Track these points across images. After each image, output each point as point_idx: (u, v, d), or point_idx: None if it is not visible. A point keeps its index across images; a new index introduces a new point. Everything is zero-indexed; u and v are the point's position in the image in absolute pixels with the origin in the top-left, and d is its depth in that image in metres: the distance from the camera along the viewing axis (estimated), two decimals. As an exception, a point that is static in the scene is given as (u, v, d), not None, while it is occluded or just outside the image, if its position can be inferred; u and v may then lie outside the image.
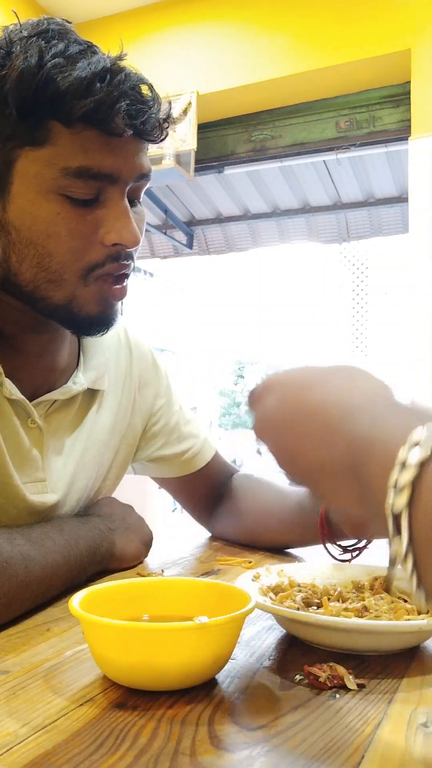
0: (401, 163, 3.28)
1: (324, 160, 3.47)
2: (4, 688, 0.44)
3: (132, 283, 0.70)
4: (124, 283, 0.68)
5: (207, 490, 0.96)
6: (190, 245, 4.50)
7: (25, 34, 0.60)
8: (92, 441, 0.79)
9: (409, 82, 2.76)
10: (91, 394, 0.79)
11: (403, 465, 0.32)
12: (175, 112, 3.09)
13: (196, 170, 3.25)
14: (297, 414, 0.42)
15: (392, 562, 0.34)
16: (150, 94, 0.64)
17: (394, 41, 2.73)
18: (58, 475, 0.75)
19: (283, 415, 0.43)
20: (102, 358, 0.81)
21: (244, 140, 3.28)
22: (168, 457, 0.91)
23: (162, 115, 0.66)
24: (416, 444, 0.33)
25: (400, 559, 0.32)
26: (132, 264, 0.68)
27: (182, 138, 3.08)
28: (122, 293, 0.68)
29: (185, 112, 3.08)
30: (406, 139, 2.79)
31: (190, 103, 3.08)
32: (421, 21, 2.69)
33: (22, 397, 0.69)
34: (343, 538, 0.76)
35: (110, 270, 0.65)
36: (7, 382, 0.68)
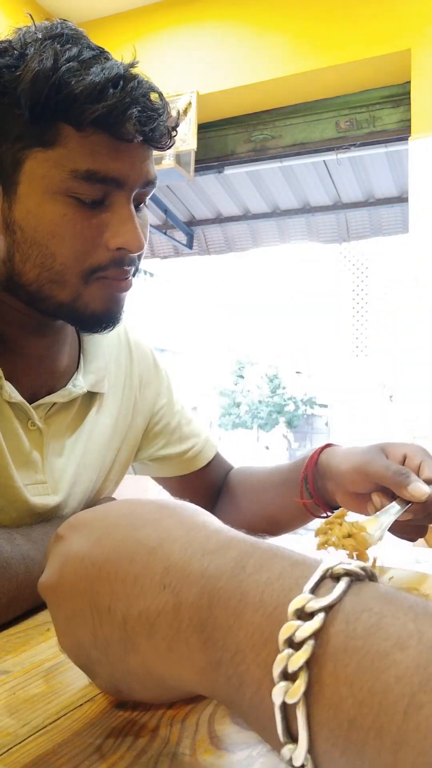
0: (401, 163, 3.28)
1: (324, 160, 3.47)
2: (4, 688, 0.44)
3: (135, 283, 0.70)
4: (128, 277, 0.68)
5: (208, 489, 0.96)
6: (190, 245, 4.51)
7: (39, 36, 0.61)
8: (93, 442, 0.79)
9: (409, 82, 2.77)
10: (91, 396, 0.79)
11: (291, 642, 0.24)
12: (175, 112, 3.09)
13: (196, 170, 3.25)
14: (122, 553, 0.33)
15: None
16: (160, 102, 0.65)
17: (394, 41, 2.73)
18: (59, 477, 0.75)
19: (101, 555, 0.33)
20: (102, 361, 0.81)
21: (244, 140, 3.28)
22: (170, 457, 0.91)
23: (170, 123, 0.66)
24: (303, 610, 0.25)
25: None
26: (134, 269, 0.69)
27: (182, 138, 3.08)
28: (127, 286, 0.68)
29: (185, 112, 3.08)
30: (406, 139, 2.79)
31: (190, 103, 3.08)
32: (421, 21, 2.69)
33: (22, 399, 0.69)
34: (324, 509, 0.79)
35: (112, 275, 0.66)
36: (7, 385, 0.68)
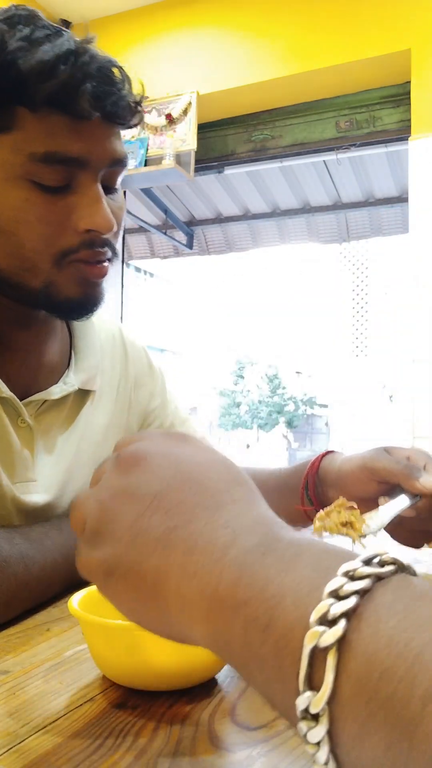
0: (401, 163, 3.28)
1: (324, 160, 3.47)
2: (4, 688, 0.44)
3: (111, 271, 0.67)
4: (104, 263, 0.66)
5: None
6: (190, 245, 4.51)
7: None
8: (86, 441, 0.78)
9: (409, 82, 2.77)
10: (83, 394, 0.78)
11: (336, 594, 0.25)
12: (175, 113, 3.09)
13: (196, 170, 3.25)
14: (206, 484, 0.32)
15: None
16: (119, 76, 0.62)
17: (394, 41, 2.73)
18: (49, 475, 0.74)
19: (188, 470, 0.33)
20: (94, 360, 0.80)
21: (244, 140, 3.28)
22: None
23: (133, 98, 0.63)
24: (354, 574, 0.25)
25: (306, 724, 0.24)
26: (110, 253, 0.67)
27: (182, 138, 3.08)
28: (101, 272, 0.66)
29: (185, 112, 3.08)
30: (406, 139, 2.79)
31: (190, 103, 3.08)
32: (421, 21, 2.69)
33: (11, 395, 0.68)
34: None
35: (84, 257, 0.64)
36: None
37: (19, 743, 0.37)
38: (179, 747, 0.37)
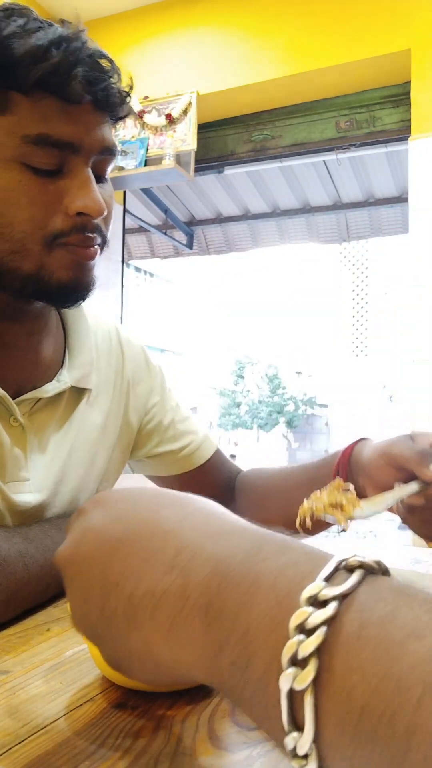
0: (401, 163, 3.28)
1: (324, 160, 3.47)
2: (4, 688, 0.44)
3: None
4: (94, 246, 0.66)
5: (209, 489, 0.95)
6: (190, 245, 4.51)
7: None
8: (81, 440, 0.78)
9: (409, 82, 2.77)
10: (78, 393, 0.78)
11: (302, 628, 0.24)
12: (175, 113, 3.09)
13: (196, 170, 3.25)
14: (141, 532, 0.33)
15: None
16: (110, 67, 0.63)
17: (394, 41, 2.73)
18: (43, 475, 0.73)
19: (121, 531, 0.34)
20: (88, 357, 0.80)
21: (244, 140, 3.28)
22: (165, 454, 0.90)
23: (122, 88, 0.65)
24: (316, 598, 0.25)
25: (297, 763, 0.23)
26: (100, 238, 0.67)
27: (182, 138, 3.08)
28: (91, 255, 0.66)
29: (185, 112, 3.08)
30: (406, 139, 2.79)
31: (190, 103, 3.08)
32: (421, 21, 2.69)
33: (4, 393, 0.68)
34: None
35: (75, 241, 0.64)
36: None
37: (19, 743, 0.37)
38: (179, 747, 0.37)
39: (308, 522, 0.62)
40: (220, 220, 4.36)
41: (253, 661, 0.26)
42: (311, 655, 0.23)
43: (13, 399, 0.70)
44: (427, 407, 2.55)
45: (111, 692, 0.44)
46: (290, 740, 0.24)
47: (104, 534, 0.34)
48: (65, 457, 0.76)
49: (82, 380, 0.77)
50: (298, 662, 0.24)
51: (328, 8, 2.86)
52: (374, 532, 7.22)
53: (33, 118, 0.60)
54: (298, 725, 0.24)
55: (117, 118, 0.66)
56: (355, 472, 0.75)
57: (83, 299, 0.68)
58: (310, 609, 0.24)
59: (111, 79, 0.63)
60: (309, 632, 0.24)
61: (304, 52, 2.90)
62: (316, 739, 0.23)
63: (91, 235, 0.65)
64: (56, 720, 0.40)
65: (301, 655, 0.23)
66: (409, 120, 2.77)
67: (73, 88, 0.60)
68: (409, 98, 2.77)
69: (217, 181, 3.93)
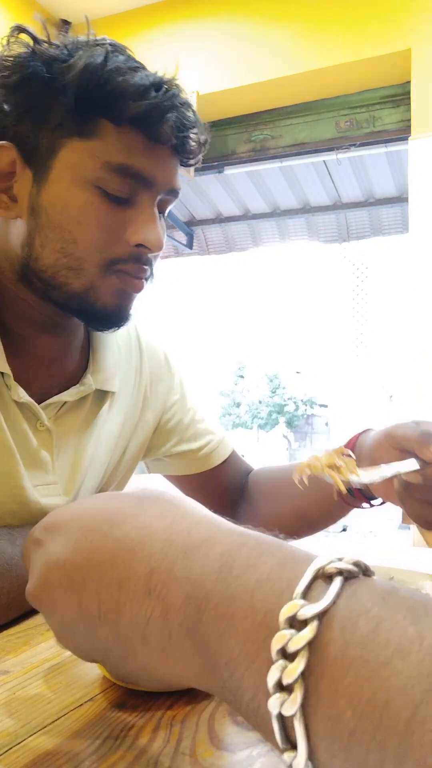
0: (401, 163, 3.28)
1: (324, 160, 3.47)
2: (4, 688, 0.44)
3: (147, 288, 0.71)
4: (143, 279, 0.69)
5: (224, 489, 0.95)
6: (190, 245, 4.51)
7: (87, 41, 0.65)
8: (103, 441, 0.79)
9: (409, 82, 2.76)
10: (102, 395, 0.79)
11: (284, 652, 0.23)
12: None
13: (196, 170, 3.25)
14: (103, 556, 0.31)
15: None
16: (193, 117, 0.68)
17: (394, 41, 2.73)
18: (69, 477, 0.75)
19: (82, 560, 0.32)
20: (112, 360, 0.81)
21: (244, 140, 3.28)
22: (184, 453, 0.91)
23: (201, 138, 0.70)
24: (295, 617, 0.24)
25: None
26: (149, 271, 0.70)
27: (182, 138, 3.08)
28: (140, 287, 0.69)
29: (185, 112, 3.08)
30: (406, 139, 2.79)
31: (190, 103, 3.08)
32: (421, 21, 2.69)
33: (30, 400, 0.69)
34: (361, 499, 0.77)
35: (130, 269, 0.67)
36: (16, 386, 0.68)
37: (19, 743, 0.37)
38: (179, 747, 0.37)
39: (305, 480, 0.62)
40: (220, 220, 4.36)
41: (241, 685, 0.25)
42: (296, 681, 0.23)
43: (39, 404, 0.71)
44: (427, 407, 2.55)
45: (111, 692, 0.44)
46: (287, 757, 0.23)
47: (68, 565, 0.33)
48: (89, 458, 0.77)
49: (106, 383, 0.79)
50: (284, 687, 0.23)
51: (328, 8, 2.85)
52: (374, 532, 7.22)
53: (118, 147, 0.63)
54: (292, 743, 0.23)
55: (187, 164, 0.71)
56: (359, 457, 0.75)
57: (118, 327, 0.71)
58: (290, 632, 0.24)
59: (194, 129, 0.68)
60: (291, 656, 0.23)
61: (304, 52, 2.90)
62: (311, 758, 0.23)
63: (144, 266, 0.68)
64: (56, 720, 0.40)
65: (286, 681, 0.23)
66: (409, 120, 2.77)
67: (164, 130, 0.64)
68: (409, 98, 2.77)
69: (217, 181, 3.93)
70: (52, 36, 0.68)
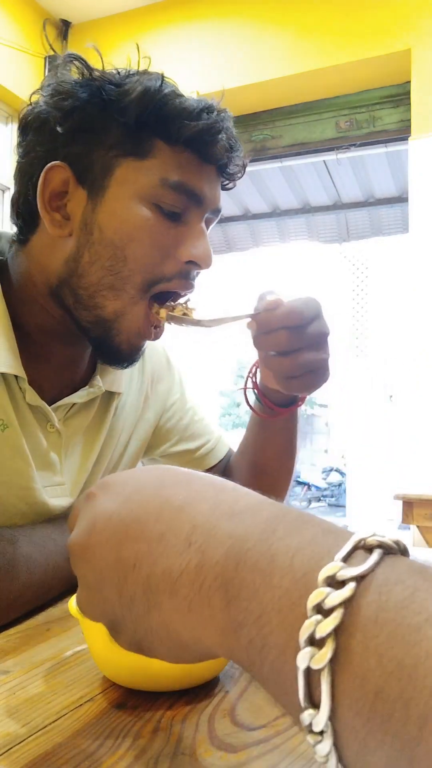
0: (401, 163, 3.28)
1: (324, 160, 3.47)
2: (4, 688, 0.44)
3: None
4: (161, 328, 0.71)
5: None
6: (190, 245, 4.50)
7: (138, 70, 0.69)
8: (108, 442, 0.81)
9: (409, 82, 2.77)
10: (109, 397, 0.80)
11: (320, 608, 0.24)
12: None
13: (196, 170, 3.24)
14: (150, 511, 0.33)
15: None
16: (237, 141, 0.72)
17: (394, 41, 2.73)
18: (76, 478, 0.76)
19: (130, 512, 0.33)
20: None
21: (244, 140, 3.28)
22: (182, 453, 0.92)
23: (244, 161, 0.73)
24: (334, 578, 0.24)
25: (313, 738, 0.24)
26: (192, 285, 0.71)
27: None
28: (156, 335, 0.71)
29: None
30: (406, 139, 2.79)
31: (190, 103, 3.08)
32: (421, 21, 2.69)
33: (42, 403, 0.71)
34: (273, 396, 0.80)
35: (176, 286, 0.68)
36: (30, 390, 0.69)
37: (19, 743, 0.37)
38: (179, 747, 0.37)
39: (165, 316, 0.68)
40: (220, 220, 4.36)
41: (269, 641, 0.26)
42: (329, 635, 0.23)
43: (49, 405, 0.72)
44: (427, 407, 2.55)
45: (111, 692, 0.44)
46: (306, 716, 0.24)
47: (115, 517, 0.34)
48: (94, 459, 0.78)
49: (114, 384, 0.80)
50: (315, 642, 0.24)
51: (328, 8, 2.85)
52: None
53: (174, 165, 0.66)
54: (314, 702, 0.24)
55: (226, 187, 0.74)
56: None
57: (126, 367, 0.73)
58: (328, 589, 0.24)
59: (239, 152, 0.71)
60: (326, 613, 0.24)
61: (305, 52, 2.90)
62: (332, 718, 0.23)
63: (192, 282, 0.70)
64: (56, 720, 0.40)
65: (319, 635, 0.23)
66: (409, 120, 2.77)
67: (214, 151, 0.68)
68: (409, 98, 2.77)
69: (217, 181, 3.93)
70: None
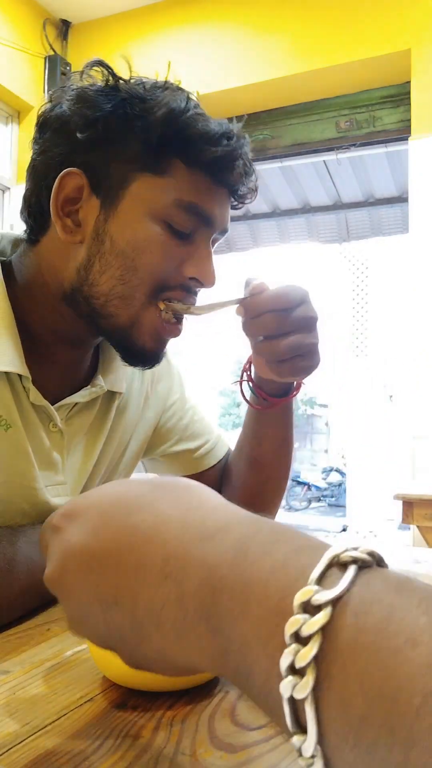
0: (401, 163, 3.28)
1: (324, 160, 3.47)
2: (4, 688, 0.44)
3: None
4: (181, 325, 0.71)
5: (219, 489, 0.95)
6: (190, 245, 4.51)
7: (166, 85, 0.70)
8: (110, 442, 0.81)
9: (409, 82, 2.77)
10: (111, 396, 0.81)
11: (297, 636, 0.24)
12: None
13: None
14: (121, 543, 0.32)
15: None
16: (252, 167, 0.73)
17: (394, 41, 2.73)
18: (77, 478, 0.76)
19: (100, 546, 0.33)
20: (120, 360, 0.82)
21: (244, 140, 3.28)
22: (181, 453, 0.92)
23: (255, 186, 0.75)
24: (309, 603, 0.24)
25: (305, 762, 0.24)
26: (195, 300, 0.72)
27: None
28: (177, 332, 0.72)
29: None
30: (406, 139, 2.79)
31: (190, 103, 3.08)
32: (421, 21, 2.69)
33: (46, 402, 0.71)
34: (267, 386, 0.81)
35: (177, 295, 0.69)
36: (34, 389, 0.70)
37: (19, 743, 0.37)
38: (179, 747, 0.37)
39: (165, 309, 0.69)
40: (220, 220, 4.36)
41: (254, 669, 0.26)
42: (308, 664, 0.23)
43: (52, 405, 0.72)
44: (427, 407, 2.56)
45: (111, 692, 0.44)
46: (296, 741, 0.24)
47: (86, 552, 0.33)
48: (96, 459, 0.79)
49: (116, 384, 0.81)
50: (296, 670, 0.24)
51: (328, 8, 2.85)
52: (374, 532, 7.22)
53: (188, 187, 0.67)
54: (302, 727, 0.24)
55: (237, 208, 0.76)
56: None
57: (152, 367, 0.74)
58: (304, 616, 0.24)
59: (252, 177, 0.73)
60: (305, 639, 0.24)
61: (304, 52, 2.90)
62: (320, 742, 0.23)
63: (194, 296, 0.71)
64: (56, 720, 0.40)
65: (299, 664, 0.23)
66: (409, 120, 2.77)
67: (232, 177, 0.69)
68: (409, 98, 2.77)
69: (217, 181, 3.93)
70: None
